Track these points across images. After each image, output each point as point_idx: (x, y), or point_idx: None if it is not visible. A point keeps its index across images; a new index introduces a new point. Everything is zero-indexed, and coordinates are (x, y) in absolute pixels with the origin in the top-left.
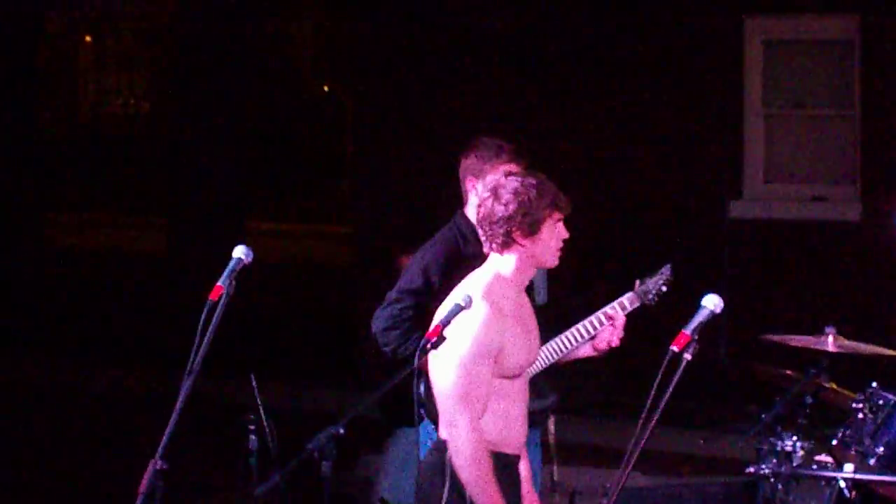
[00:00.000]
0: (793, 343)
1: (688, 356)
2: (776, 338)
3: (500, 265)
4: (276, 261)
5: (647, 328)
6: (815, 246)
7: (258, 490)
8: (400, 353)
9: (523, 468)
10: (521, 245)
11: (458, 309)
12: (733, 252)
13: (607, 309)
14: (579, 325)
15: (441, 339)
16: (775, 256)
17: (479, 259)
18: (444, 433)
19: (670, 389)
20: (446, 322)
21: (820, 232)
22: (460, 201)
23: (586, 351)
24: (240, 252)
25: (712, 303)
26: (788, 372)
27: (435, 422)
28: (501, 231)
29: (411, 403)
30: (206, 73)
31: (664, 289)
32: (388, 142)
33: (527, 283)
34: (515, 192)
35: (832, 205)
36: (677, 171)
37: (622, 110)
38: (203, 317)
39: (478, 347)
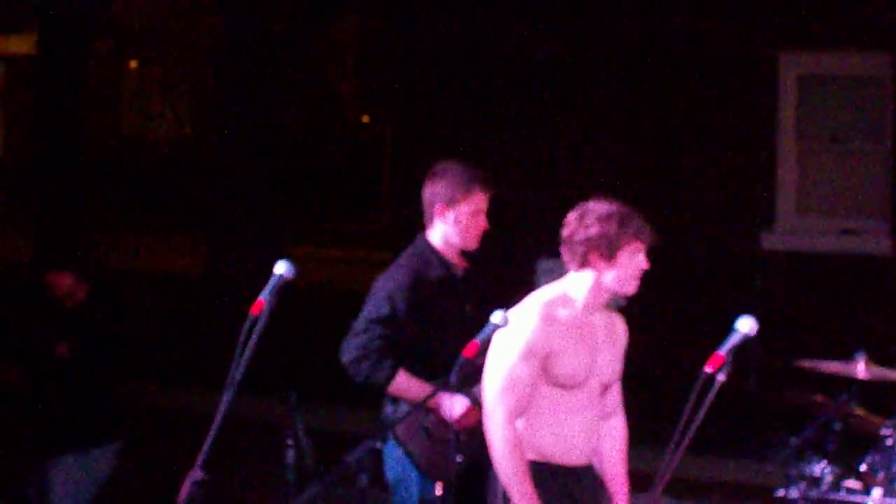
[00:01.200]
0: (823, 368)
1: (721, 377)
2: (807, 363)
3: (572, 283)
4: (315, 285)
5: (680, 359)
6: (845, 278)
7: (296, 501)
8: (372, 382)
9: (615, 494)
10: (597, 268)
11: (493, 328)
12: (765, 283)
13: None
14: None
15: (479, 357)
16: (806, 288)
17: (443, 283)
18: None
19: (703, 410)
20: (484, 340)
21: (850, 264)
22: (422, 226)
23: None
24: (282, 268)
25: (747, 326)
26: (818, 398)
27: (401, 442)
28: (581, 251)
29: None
30: (248, 98)
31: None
32: (426, 169)
33: (600, 305)
34: (599, 217)
35: (863, 238)
36: (712, 202)
37: (659, 143)
38: (245, 331)
39: (521, 347)
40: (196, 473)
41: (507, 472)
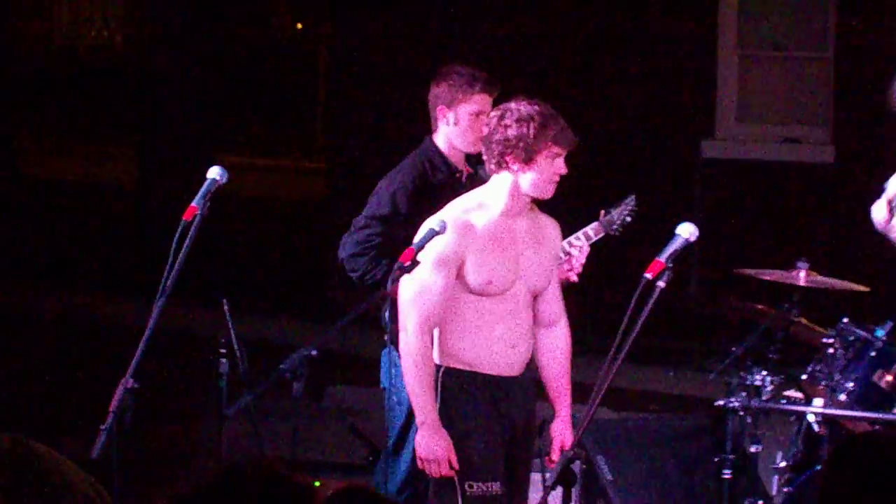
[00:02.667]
0: (764, 277)
1: (661, 284)
2: (748, 272)
3: (490, 187)
4: (247, 194)
5: (619, 267)
6: (786, 187)
7: (228, 410)
8: (367, 280)
9: (557, 404)
10: (514, 170)
11: (431, 233)
12: (705, 191)
13: (572, 238)
14: None
15: (414, 263)
16: (747, 196)
17: (447, 187)
18: (442, 358)
19: (643, 317)
20: (420, 246)
21: (792, 173)
22: (429, 131)
23: None
24: (214, 173)
25: (687, 231)
26: (759, 306)
27: (397, 345)
28: (497, 152)
29: None
30: (179, 6)
31: (628, 219)
32: (361, 77)
33: (520, 209)
34: (519, 118)
35: (804, 146)
36: (651, 111)
37: (599, 49)
38: (177, 237)
39: (439, 256)
40: (127, 381)
41: (412, 381)
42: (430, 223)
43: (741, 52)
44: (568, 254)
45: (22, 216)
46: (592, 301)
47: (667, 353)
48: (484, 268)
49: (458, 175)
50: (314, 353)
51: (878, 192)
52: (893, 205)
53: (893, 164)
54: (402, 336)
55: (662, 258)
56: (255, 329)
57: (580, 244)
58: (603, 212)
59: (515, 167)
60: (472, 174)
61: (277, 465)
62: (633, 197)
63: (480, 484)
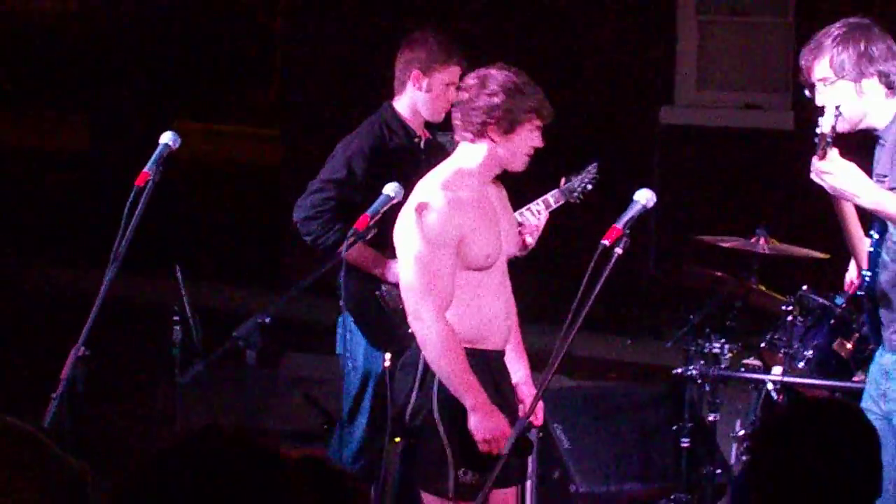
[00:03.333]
0: (723, 244)
1: (619, 250)
2: (707, 238)
3: (465, 156)
4: (201, 160)
5: (576, 235)
6: (746, 153)
7: (182, 379)
8: (320, 244)
9: (518, 366)
10: (493, 140)
11: (386, 199)
12: (664, 158)
13: (532, 205)
14: None
15: (369, 229)
16: (706, 163)
17: (405, 151)
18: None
19: (600, 284)
20: (374, 212)
21: (751, 139)
22: (389, 96)
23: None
24: (167, 138)
25: (644, 197)
26: (718, 274)
27: (354, 315)
28: (478, 121)
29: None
30: None
31: (589, 186)
32: (316, 42)
33: (491, 178)
34: (503, 86)
35: (764, 113)
36: (610, 77)
37: (557, 15)
38: (129, 203)
39: (435, 238)
40: (79, 349)
41: (447, 367)
42: (387, 189)
43: (700, 18)
44: (520, 224)
45: None
46: (549, 269)
47: (624, 321)
48: (480, 241)
49: (416, 140)
50: (268, 320)
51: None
52: (819, 143)
53: (852, 131)
54: (418, 325)
55: (620, 225)
56: (209, 296)
57: (539, 209)
58: (564, 179)
59: (495, 137)
60: (429, 139)
61: (244, 432)
62: (594, 164)
63: (476, 474)
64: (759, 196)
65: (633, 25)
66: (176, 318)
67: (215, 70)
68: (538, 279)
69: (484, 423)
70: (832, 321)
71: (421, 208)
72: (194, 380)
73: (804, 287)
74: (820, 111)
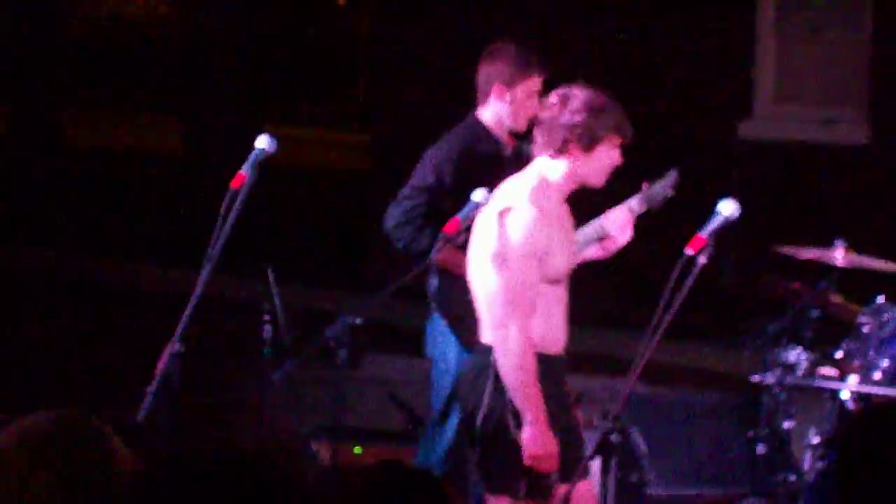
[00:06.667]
0: (802, 255)
1: (702, 259)
2: (786, 250)
3: (547, 170)
4: (291, 165)
5: (658, 246)
6: (823, 167)
7: (274, 376)
8: (412, 250)
9: None
10: (573, 156)
11: (475, 206)
12: (743, 172)
13: (615, 211)
14: (587, 227)
15: (459, 233)
16: (784, 177)
17: (492, 159)
18: (489, 336)
19: (684, 292)
20: (464, 217)
21: (829, 154)
22: (474, 105)
23: (595, 252)
24: (263, 142)
25: (728, 208)
26: (796, 285)
27: (448, 317)
28: (560, 137)
29: None
30: None
31: (671, 193)
32: (405, 50)
33: (568, 194)
34: (585, 104)
35: (841, 127)
36: (690, 91)
37: (637, 31)
38: (225, 205)
39: (527, 249)
40: (174, 345)
41: (521, 380)
42: (476, 196)
43: (779, 33)
44: (604, 228)
45: (69, 186)
46: (633, 277)
47: (703, 329)
48: (559, 255)
49: (502, 148)
50: (358, 321)
51: None
52: None
53: None
54: (501, 334)
55: (704, 234)
56: (299, 298)
57: (622, 216)
58: (645, 185)
59: (576, 153)
60: (516, 147)
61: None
62: (675, 171)
63: (544, 476)
64: (836, 208)
65: (713, 40)
66: (267, 317)
67: (305, 76)
68: (619, 286)
69: (539, 439)
70: None
71: (510, 217)
72: (284, 378)
73: (880, 298)
74: None
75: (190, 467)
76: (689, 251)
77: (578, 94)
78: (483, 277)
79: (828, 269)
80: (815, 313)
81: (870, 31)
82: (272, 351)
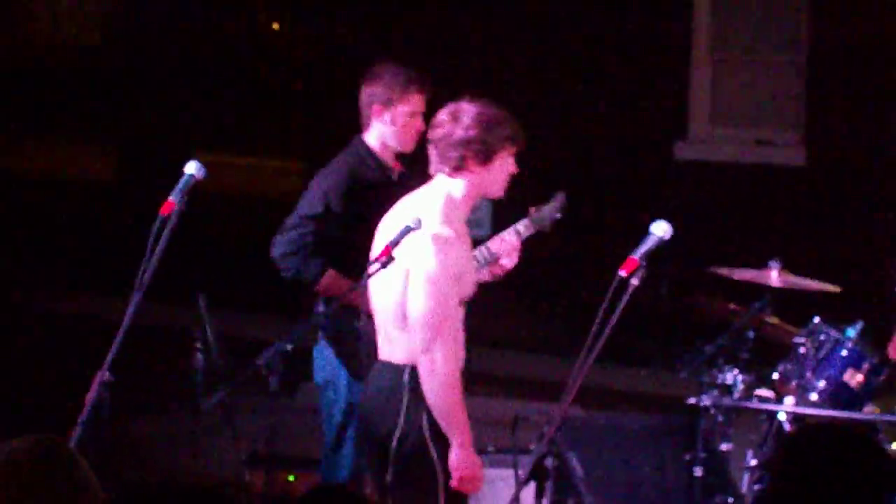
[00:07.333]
0: (737, 276)
1: (635, 281)
2: (721, 270)
3: (449, 188)
4: (224, 192)
5: (592, 268)
6: (759, 188)
7: (204, 404)
8: (301, 278)
9: None
10: (471, 171)
11: (407, 230)
12: (678, 192)
13: (503, 234)
14: (475, 251)
15: (390, 259)
16: (720, 198)
17: (379, 185)
18: (400, 356)
19: (617, 314)
20: (395, 243)
21: (764, 175)
22: (359, 128)
23: (484, 276)
24: (192, 168)
25: (661, 229)
26: (731, 305)
27: (335, 346)
28: (456, 154)
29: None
30: (158, 4)
31: (558, 216)
32: (336, 78)
33: (471, 209)
34: (477, 118)
35: (777, 148)
36: (625, 112)
37: (570, 50)
38: (154, 231)
39: (452, 271)
40: (104, 374)
41: (450, 403)
42: (406, 221)
43: (714, 55)
44: (492, 252)
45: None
46: (566, 301)
47: (639, 352)
48: (471, 274)
49: (389, 173)
50: (289, 347)
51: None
52: None
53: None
54: (427, 358)
55: (637, 256)
56: (231, 325)
57: (511, 238)
58: (533, 209)
59: (473, 168)
60: (403, 172)
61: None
62: (562, 194)
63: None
64: (772, 229)
65: (648, 62)
66: (198, 344)
67: (239, 103)
68: (553, 311)
69: (467, 460)
70: (843, 353)
71: (435, 240)
72: (216, 405)
73: (816, 319)
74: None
75: (151, 498)
76: (621, 273)
77: (469, 109)
78: (415, 300)
79: (763, 289)
80: (751, 334)
81: (805, 53)
82: (203, 378)
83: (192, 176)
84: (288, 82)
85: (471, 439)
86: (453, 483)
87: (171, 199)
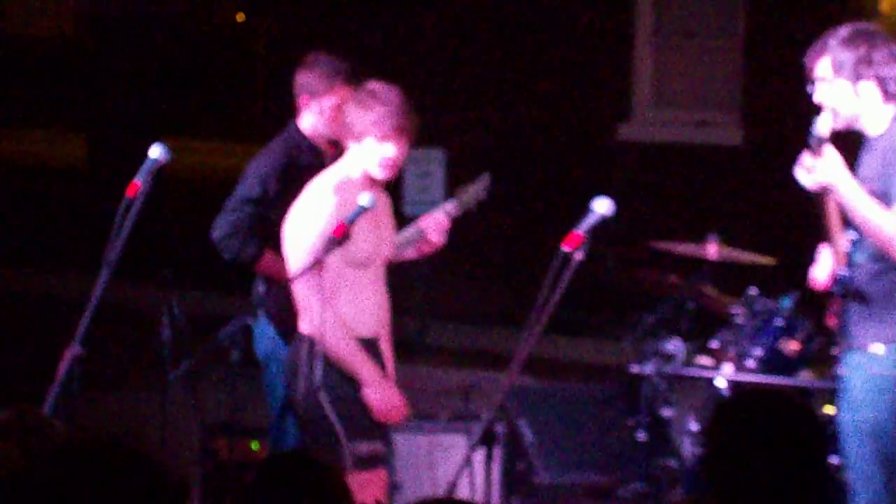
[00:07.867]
0: (677, 250)
1: (579, 256)
2: (662, 245)
3: (347, 160)
4: (192, 175)
5: (539, 246)
6: (699, 167)
7: (171, 376)
8: (240, 259)
9: (385, 350)
10: (352, 150)
11: (361, 210)
12: (621, 172)
13: (434, 214)
14: (406, 230)
15: (346, 237)
16: (661, 176)
17: (314, 169)
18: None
19: (561, 288)
20: (350, 221)
21: (704, 154)
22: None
23: (411, 253)
24: (156, 152)
25: (603, 206)
26: (672, 278)
27: (273, 319)
28: (344, 133)
29: None
30: None
31: (483, 196)
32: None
33: (376, 181)
34: (357, 100)
35: (716, 129)
36: (570, 95)
37: (516, 33)
38: (120, 212)
39: (321, 232)
40: (74, 349)
41: (346, 350)
42: (361, 201)
43: (656, 38)
44: (420, 230)
45: None
46: (516, 275)
47: (585, 324)
48: (362, 241)
49: (322, 157)
50: (250, 321)
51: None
52: (813, 143)
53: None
54: (307, 315)
55: (579, 231)
56: (196, 303)
57: (440, 218)
58: (459, 189)
59: (353, 148)
60: (336, 157)
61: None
62: (486, 175)
63: (366, 444)
64: (710, 206)
65: (591, 44)
66: (164, 318)
67: (204, 90)
68: (504, 285)
69: (380, 393)
70: (778, 322)
71: (312, 208)
72: (182, 377)
73: (752, 290)
74: (817, 111)
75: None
76: (565, 248)
77: (364, 90)
78: (290, 264)
79: (702, 262)
80: (691, 305)
81: (742, 36)
82: (170, 352)
83: (156, 159)
84: (251, 71)
85: (378, 373)
86: (379, 416)
87: (136, 180)
